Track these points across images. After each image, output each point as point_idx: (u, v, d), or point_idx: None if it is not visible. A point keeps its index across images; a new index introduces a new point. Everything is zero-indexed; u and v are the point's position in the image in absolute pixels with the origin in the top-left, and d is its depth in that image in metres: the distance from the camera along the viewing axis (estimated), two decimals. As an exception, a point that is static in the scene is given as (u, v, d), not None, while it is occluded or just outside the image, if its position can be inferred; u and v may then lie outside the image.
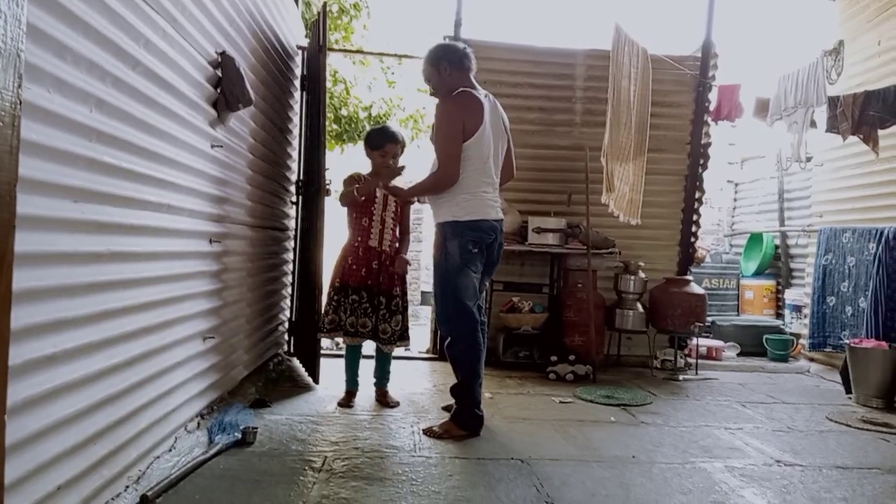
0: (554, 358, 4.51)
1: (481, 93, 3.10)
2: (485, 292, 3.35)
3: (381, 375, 3.64)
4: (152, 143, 2.25)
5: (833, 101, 4.31)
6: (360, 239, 3.51)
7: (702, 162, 5.17)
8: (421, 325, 6.92)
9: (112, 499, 2.03)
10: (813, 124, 4.49)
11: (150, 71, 2.20)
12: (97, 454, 1.95)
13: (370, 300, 3.48)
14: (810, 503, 2.38)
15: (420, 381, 4.21)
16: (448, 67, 3.10)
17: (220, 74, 2.84)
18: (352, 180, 3.55)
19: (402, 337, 3.54)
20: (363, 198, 3.46)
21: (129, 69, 2.05)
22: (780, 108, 4.55)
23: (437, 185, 3.06)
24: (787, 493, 2.48)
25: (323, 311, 3.55)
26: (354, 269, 3.48)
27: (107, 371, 2.01)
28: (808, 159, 5.15)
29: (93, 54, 1.81)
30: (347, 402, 3.50)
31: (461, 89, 3.04)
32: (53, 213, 1.69)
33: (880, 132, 4.23)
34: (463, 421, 3.02)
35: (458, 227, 3.01)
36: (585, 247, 4.57)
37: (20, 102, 1.06)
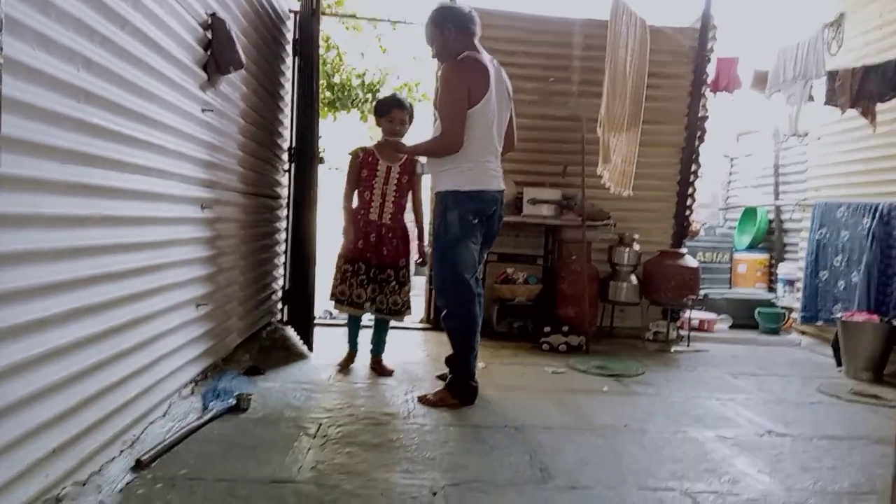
0: (547, 329, 4.52)
1: (486, 58, 3.00)
2: (482, 264, 3.33)
3: (378, 344, 3.66)
4: (141, 106, 2.20)
5: (832, 75, 4.27)
6: (361, 212, 3.53)
7: (699, 134, 5.13)
8: (416, 295, 6.90)
9: (107, 462, 2.03)
10: (811, 97, 4.46)
11: (139, 31, 2.14)
12: (89, 419, 1.95)
13: (367, 272, 3.51)
14: (800, 471, 2.41)
15: (415, 350, 4.21)
16: (453, 30, 2.98)
17: (210, 37, 2.77)
18: (354, 156, 3.57)
19: (408, 307, 3.60)
20: (366, 173, 3.50)
21: (118, 28, 1.99)
22: (779, 80, 4.51)
23: (440, 148, 2.97)
24: (778, 461, 2.50)
25: (332, 281, 3.59)
26: (357, 241, 3.51)
27: (98, 336, 2.00)
28: (806, 134, 5.12)
29: (79, 11, 1.75)
30: (346, 364, 3.59)
31: (466, 53, 2.94)
32: (40, 175, 1.66)
33: (878, 106, 4.20)
34: (457, 390, 3.03)
35: (459, 196, 2.94)
36: (580, 218, 4.56)
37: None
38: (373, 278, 3.50)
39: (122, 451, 2.12)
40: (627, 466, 2.36)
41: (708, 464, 2.44)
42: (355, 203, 3.57)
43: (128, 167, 2.13)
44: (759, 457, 2.55)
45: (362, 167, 3.52)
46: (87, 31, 1.80)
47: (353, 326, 3.70)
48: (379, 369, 3.57)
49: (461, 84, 2.88)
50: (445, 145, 2.92)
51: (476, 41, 3.03)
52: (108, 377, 2.06)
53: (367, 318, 3.71)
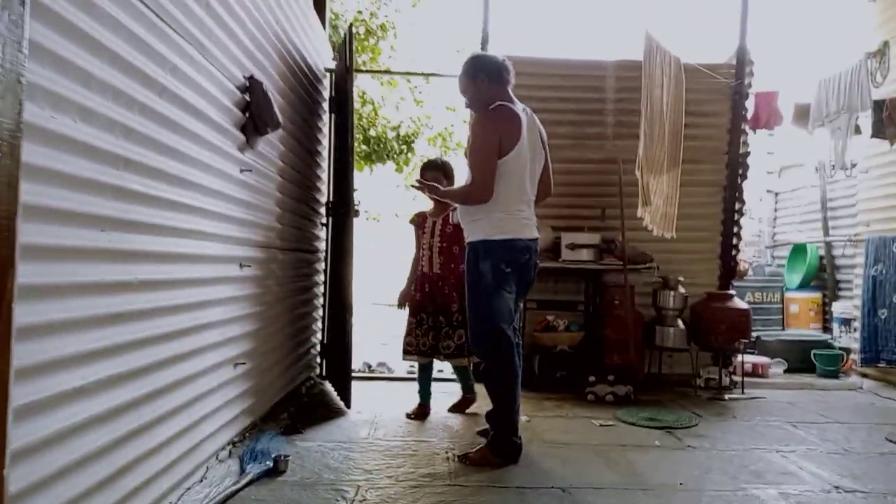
0: (592, 378, 4.37)
1: (519, 107, 3.00)
2: (519, 312, 3.26)
3: (463, 386, 3.94)
4: (181, 170, 2.23)
5: (879, 105, 4.14)
6: (420, 267, 3.87)
7: (741, 172, 5.01)
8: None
9: (143, 533, 1.98)
10: (857, 130, 4.32)
11: (178, 97, 2.18)
12: (127, 487, 1.92)
13: (427, 321, 3.76)
14: (877, 535, 2.22)
15: (452, 403, 4.10)
16: (486, 80, 2.98)
17: (248, 99, 2.83)
18: (411, 221, 3.99)
19: (463, 350, 3.72)
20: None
21: (157, 95, 2.04)
22: (822, 114, 4.39)
23: (469, 197, 2.96)
24: (851, 523, 2.32)
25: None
26: (416, 294, 3.83)
27: (137, 401, 1.98)
28: (853, 166, 4.95)
29: (119, 82, 1.79)
30: (419, 414, 3.75)
31: (498, 103, 2.93)
32: (81, 243, 1.67)
33: (931, 136, 4.05)
34: (500, 449, 2.90)
35: (491, 246, 2.90)
36: (621, 262, 4.45)
37: (21, 132, 1.02)
38: (432, 326, 3.74)
39: (159, 520, 2.08)
40: (686, 531, 2.21)
41: (774, 526, 2.27)
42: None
43: (167, 231, 2.15)
44: (829, 518, 2.37)
45: (418, 229, 3.89)
46: (126, 100, 1.84)
47: (422, 375, 3.89)
48: (462, 407, 3.87)
49: (492, 134, 2.87)
50: (474, 195, 2.91)
51: (509, 90, 3.03)
52: (147, 443, 2.04)
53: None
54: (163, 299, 2.14)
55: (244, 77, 2.82)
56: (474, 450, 2.96)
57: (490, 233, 2.91)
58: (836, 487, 2.69)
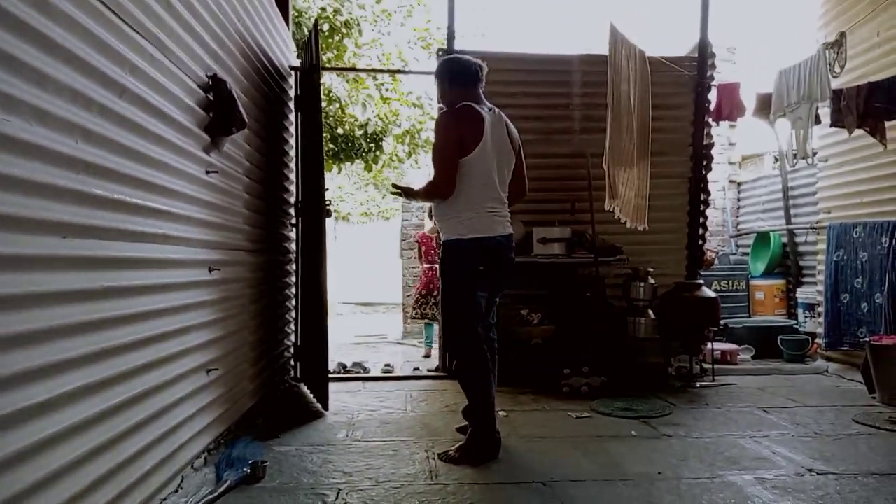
0: (567, 370, 4.40)
1: (486, 107, 3.04)
2: (495, 308, 3.26)
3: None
4: (144, 172, 2.16)
5: (837, 94, 4.23)
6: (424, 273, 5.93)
7: (705, 163, 5.08)
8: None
9: (117, 548, 1.92)
10: (817, 119, 4.42)
11: (139, 97, 2.12)
12: (100, 502, 1.85)
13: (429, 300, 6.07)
14: (851, 515, 2.27)
15: (431, 401, 4.09)
16: (451, 82, 3.07)
17: (211, 98, 2.76)
18: (419, 238, 6.25)
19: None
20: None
21: (116, 96, 1.97)
22: (783, 105, 4.48)
23: (431, 193, 3.06)
24: (825, 504, 2.37)
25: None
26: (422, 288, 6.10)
27: (107, 413, 1.92)
28: (814, 155, 5.07)
29: (76, 83, 1.73)
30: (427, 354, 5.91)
31: (462, 103, 2.98)
32: (40, 252, 1.61)
33: (887, 123, 4.15)
34: (478, 445, 2.91)
35: (463, 245, 2.95)
36: (592, 255, 4.48)
37: None
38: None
39: (133, 534, 2.01)
40: (667, 519, 2.23)
41: (751, 511, 2.31)
42: None
43: (132, 236, 2.08)
44: (803, 500, 2.41)
45: (421, 247, 6.10)
46: (84, 101, 1.78)
47: (427, 332, 6.20)
48: None
49: (453, 132, 2.93)
50: (436, 190, 2.99)
51: (478, 91, 3.07)
52: (119, 455, 1.98)
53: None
54: (130, 306, 2.07)
55: (207, 76, 2.75)
56: (454, 447, 2.95)
57: (462, 232, 2.96)
58: (810, 470, 2.74)
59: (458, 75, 3.06)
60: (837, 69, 4.70)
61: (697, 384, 4.58)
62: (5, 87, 1.43)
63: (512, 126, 3.19)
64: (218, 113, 2.77)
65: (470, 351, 2.97)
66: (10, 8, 1.44)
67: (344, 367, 5.18)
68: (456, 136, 2.92)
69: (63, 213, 1.69)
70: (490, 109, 3.06)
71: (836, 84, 4.51)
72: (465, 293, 2.96)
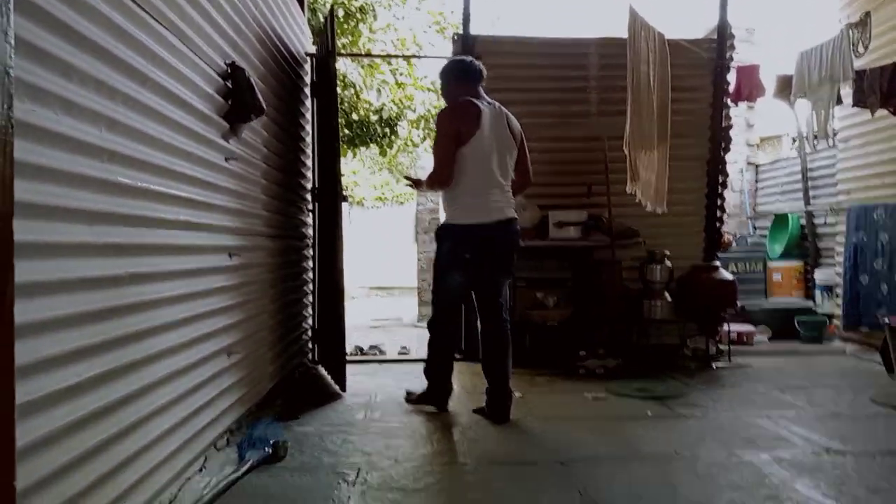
0: (583, 353, 4.42)
1: (485, 101, 3.25)
2: (506, 289, 3.42)
3: None
4: (166, 160, 2.20)
5: (860, 75, 4.17)
6: None
7: (723, 145, 5.04)
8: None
9: (146, 525, 1.98)
10: (839, 100, 4.35)
11: (161, 86, 2.15)
12: (128, 481, 1.91)
13: None
14: (869, 494, 2.28)
15: (448, 384, 4.13)
16: (453, 80, 3.35)
17: (230, 86, 2.79)
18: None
19: None
20: None
21: (139, 86, 2.00)
22: (804, 86, 4.42)
23: (432, 183, 3.33)
24: (842, 483, 2.37)
25: None
26: None
27: (133, 395, 1.97)
28: (834, 135, 5.00)
29: (101, 73, 1.76)
30: None
31: (462, 98, 3.22)
32: (68, 239, 1.65)
33: (909, 103, 4.09)
34: (428, 396, 3.45)
35: (453, 230, 3.24)
36: (609, 238, 4.48)
37: (12, 127, 0.99)
38: None
39: (161, 512, 2.08)
40: (684, 498, 2.26)
41: (768, 489, 2.33)
42: None
43: (155, 222, 2.12)
44: (820, 479, 2.42)
45: None
46: (108, 91, 1.81)
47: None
48: None
49: (449, 125, 3.19)
50: (435, 179, 3.26)
51: (478, 87, 3.32)
52: (145, 436, 2.03)
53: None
54: (154, 292, 2.12)
55: (225, 64, 2.77)
56: (417, 393, 3.51)
57: (454, 217, 3.25)
58: (827, 450, 2.75)
59: (460, 73, 3.34)
60: (861, 49, 4.62)
61: (714, 365, 4.59)
62: (33, 77, 1.46)
63: (513, 119, 3.37)
64: (236, 100, 2.79)
65: (442, 322, 3.38)
66: (38, 1, 1.47)
67: (361, 349, 5.24)
68: (453, 129, 3.15)
69: (90, 202, 1.73)
70: (490, 104, 3.26)
71: (858, 64, 4.44)
72: (449, 273, 3.25)
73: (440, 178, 3.21)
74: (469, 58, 3.53)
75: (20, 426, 1.40)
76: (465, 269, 3.22)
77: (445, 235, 3.27)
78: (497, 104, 3.33)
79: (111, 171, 1.84)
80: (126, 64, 1.90)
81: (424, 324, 3.88)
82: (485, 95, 3.31)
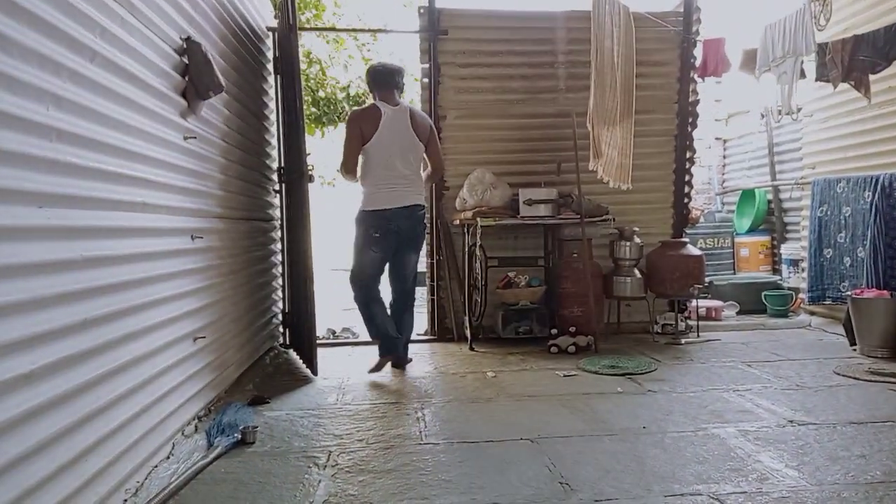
0: (554, 331, 4.44)
1: (391, 104, 3.76)
2: (414, 262, 4.02)
3: None
4: (120, 139, 2.12)
5: (822, 48, 4.20)
6: None
7: (690, 121, 5.07)
8: (417, 305, 6.82)
9: (109, 515, 1.94)
10: (802, 74, 4.38)
11: (111, 62, 2.06)
12: (90, 470, 1.86)
13: None
14: (829, 462, 2.33)
15: (420, 364, 4.12)
16: (370, 83, 3.93)
17: (186, 62, 2.69)
18: None
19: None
20: None
21: (87, 61, 1.91)
22: (769, 59, 4.44)
23: (342, 174, 3.86)
24: (804, 454, 2.43)
25: None
26: None
27: (93, 382, 1.91)
28: (799, 110, 5.05)
29: (43, 47, 1.67)
30: None
31: (368, 104, 3.83)
32: (16, 222, 1.57)
33: (871, 77, 4.13)
34: (380, 351, 3.84)
35: (361, 215, 3.80)
36: (579, 216, 4.48)
37: None
38: None
39: (125, 501, 2.03)
40: (651, 472, 2.28)
41: (733, 462, 2.36)
42: None
43: (110, 204, 2.05)
44: (784, 450, 2.47)
45: None
46: (53, 66, 1.72)
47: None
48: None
49: (351, 127, 3.75)
50: (343, 171, 3.83)
51: (388, 91, 3.81)
52: (107, 424, 1.98)
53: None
54: (111, 276, 2.05)
55: (181, 39, 2.67)
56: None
57: (366, 204, 3.79)
58: (791, 421, 2.81)
59: (373, 78, 3.88)
60: (823, 22, 4.66)
61: (683, 341, 4.65)
62: (-33, 52, 1.38)
63: (421, 117, 3.91)
64: (194, 77, 2.70)
65: (357, 292, 3.86)
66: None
67: (333, 332, 5.20)
68: (356, 130, 3.70)
69: (38, 183, 1.66)
70: (396, 105, 3.77)
71: (821, 38, 4.47)
72: (362, 251, 3.80)
73: (345, 170, 3.79)
74: (382, 64, 4.06)
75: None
76: (375, 247, 3.77)
77: (358, 219, 3.81)
78: (405, 105, 3.84)
79: (60, 151, 1.76)
80: (71, 38, 1.81)
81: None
82: (396, 97, 3.82)
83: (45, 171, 1.69)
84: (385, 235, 3.74)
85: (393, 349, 3.84)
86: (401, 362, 3.95)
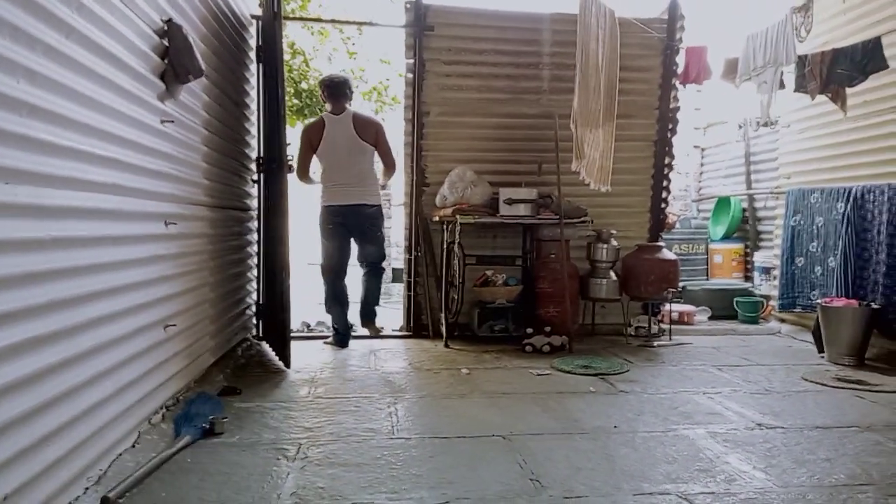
0: (529, 330, 4.45)
1: (335, 113, 4.32)
2: (378, 248, 4.63)
3: None
4: (94, 119, 2.07)
5: (802, 60, 4.27)
6: None
7: (671, 127, 5.12)
8: (395, 302, 6.81)
9: (70, 502, 1.89)
10: (782, 84, 4.45)
11: (88, 39, 2.01)
12: (51, 457, 1.81)
13: None
14: (795, 465, 2.37)
15: (395, 360, 4.11)
16: (322, 93, 4.46)
17: (166, 44, 2.64)
18: None
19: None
20: None
21: (63, 37, 1.86)
22: (749, 68, 4.50)
23: (298, 179, 4.39)
24: (772, 456, 2.46)
25: None
26: None
27: (57, 366, 1.86)
28: (776, 121, 5.13)
29: (17, 19, 1.62)
30: None
31: (316, 118, 4.58)
32: (-19, 197, 1.52)
33: (848, 90, 4.21)
34: (332, 338, 4.49)
35: (322, 209, 4.40)
36: (557, 217, 4.49)
37: None
38: None
39: (86, 489, 1.98)
40: (621, 471, 2.30)
41: (701, 463, 2.39)
42: None
43: (81, 184, 2.00)
44: (752, 452, 2.50)
45: None
46: (27, 39, 1.67)
47: None
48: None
49: (302, 138, 4.39)
50: (298, 176, 4.36)
51: (339, 101, 4.34)
52: (70, 409, 1.93)
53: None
54: (80, 258, 2.00)
55: (162, 20, 2.63)
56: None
57: (323, 201, 4.40)
58: (759, 425, 2.85)
59: (325, 90, 4.39)
60: (804, 33, 4.73)
61: (655, 343, 4.69)
62: (-64, 18, 1.34)
63: (365, 120, 4.41)
64: (174, 60, 2.65)
65: (328, 280, 4.49)
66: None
67: (308, 325, 5.15)
68: (306, 140, 4.34)
69: (6, 158, 1.61)
70: (341, 112, 4.30)
71: (801, 49, 4.54)
72: (322, 240, 4.44)
73: (299, 175, 4.37)
74: (331, 77, 4.49)
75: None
76: (330, 238, 4.40)
77: (320, 213, 4.42)
78: (349, 111, 4.35)
79: (31, 127, 1.71)
80: (47, 11, 1.76)
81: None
82: (343, 105, 4.34)
83: (13, 146, 1.64)
84: (336, 227, 4.36)
85: (341, 343, 4.45)
86: (366, 321, 4.80)
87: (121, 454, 2.27)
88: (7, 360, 1.62)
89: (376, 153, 4.44)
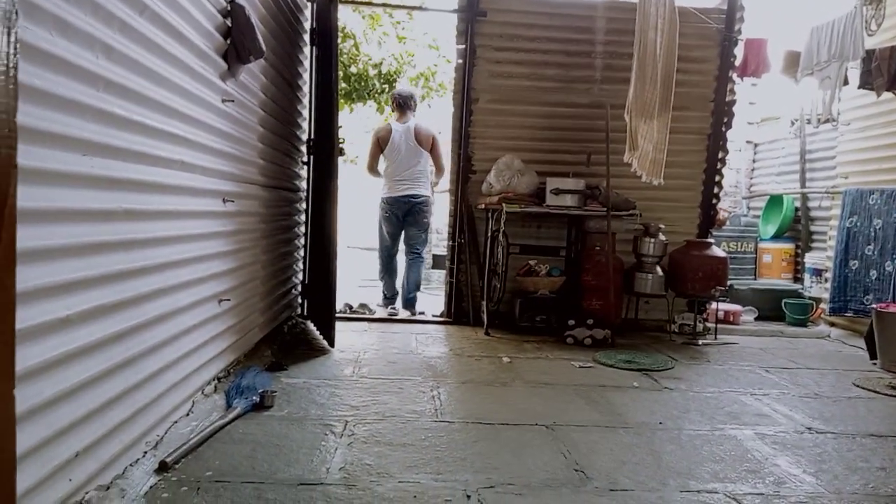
0: (571, 322, 4.43)
1: (403, 123, 5.08)
2: (423, 236, 5.29)
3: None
4: (163, 95, 2.12)
5: (868, 55, 4.11)
6: None
7: (725, 120, 5.00)
8: (433, 288, 6.85)
9: (130, 465, 1.97)
10: (846, 80, 4.29)
11: (158, 16, 2.06)
12: (115, 420, 1.89)
13: None
14: (848, 472, 2.31)
15: (436, 345, 4.14)
16: (392, 104, 5.37)
17: (229, 24, 2.69)
18: None
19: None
20: None
21: (136, 14, 1.91)
22: (812, 63, 4.35)
23: (367, 171, 5.28)
24: (823, 461, 2.40)
25: None
26: None
27: (122, 334, 1.94)
28: (836, 118, 4.96)
29: (97, -6, 1.67)
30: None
31: (388, 122, 5.35)
32: (62, 167, 1.59)
33: (916, 88, 4.04)
34: (382, 301, 5.34)
35: (382, 199, 5.17)
36: (605, 208, 4.44)
37: (16, 53, 0.91)
38: None
39: (145, 453, 2.06)
40: (667, 467, 2.28)
41: (749, 464, 2.35)
42: None
43: (150, 159, 2.06)
44: (801, 456, 2.45)
45: None
46: (105, 15, 1.73)
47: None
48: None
49: (372, 139, 5.20)
50: (367, 170, 5.27)
51: (402, 111, 5.13)
52: (133, 376, 2.00)
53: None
54: (148, 230, 2.07)
55: (226, 1, 2.67)
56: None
57: (383, 192, 5.16)
58: (809, 429, 2.78)
59: (394, 101, 5.26)
60: (874, 27, 4.53)
61: (700, 342, 4.62)
62: (27, -8, 1.38)
63: (424, 130, 5.08)
64: (236, 40, 2.70)
65: (381, 259, 5.32)
66: None
67: (350, 307, 5.21)
68: (375, 141, 5.13)
69: (83, 131, 1.67)
70: (405, 123, 5.06)
71: (870, 43, 4.36)
72: (381, 225, 5.24)
73: (368, 168, 5.24)
74: (400, 91, 5.30)
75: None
76: (386, 223, 5.20)
77: (380, 203, 5.20)
78: (414, 123, 5.07)
79: (106, 101, 1.77)
80: (123, -13, 1.81)
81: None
82: (408, 116, 5.11)
83: (90, 120, 1.70)
84: (392, 215, 5.15)
85: (390, 303, 5.34)
86: (407, 305, 5.31)
87: (176, 422, 2.35)
88: (78, 325, 1.69)
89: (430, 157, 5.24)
